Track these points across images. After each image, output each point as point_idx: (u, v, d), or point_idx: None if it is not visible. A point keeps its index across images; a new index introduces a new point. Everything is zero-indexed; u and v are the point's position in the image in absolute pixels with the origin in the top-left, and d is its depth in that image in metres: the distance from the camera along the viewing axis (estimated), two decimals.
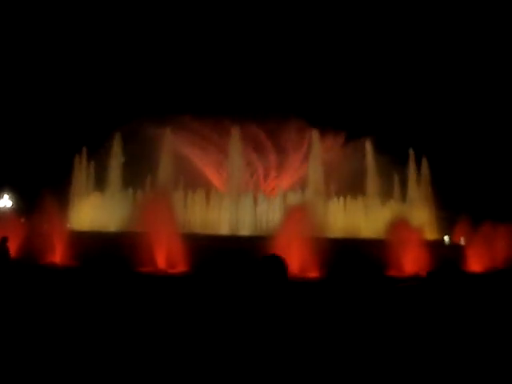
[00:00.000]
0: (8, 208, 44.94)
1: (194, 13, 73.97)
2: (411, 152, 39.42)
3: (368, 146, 39.46)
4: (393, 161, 38.50)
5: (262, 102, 50.11)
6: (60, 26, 66.20)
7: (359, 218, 36.84)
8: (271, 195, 38.07)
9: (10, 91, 59.46)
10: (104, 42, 66.66)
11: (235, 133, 38.24)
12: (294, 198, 35.51)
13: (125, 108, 51.13)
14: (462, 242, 33.29)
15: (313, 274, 19.82)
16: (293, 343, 9.11)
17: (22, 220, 29.52)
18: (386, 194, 38.28)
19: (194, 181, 37.24)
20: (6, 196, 46.34)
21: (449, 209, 38.97)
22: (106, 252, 21.17)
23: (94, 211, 35.05)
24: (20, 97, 60.52)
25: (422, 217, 35.98)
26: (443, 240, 37.59)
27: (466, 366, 8.13)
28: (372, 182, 38.53)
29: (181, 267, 20.31)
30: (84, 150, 37.64)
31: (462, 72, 63.11)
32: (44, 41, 64.97)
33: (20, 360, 7.75)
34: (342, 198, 37.22)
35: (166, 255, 20.64)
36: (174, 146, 37.97)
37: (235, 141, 38.06)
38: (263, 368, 7.67)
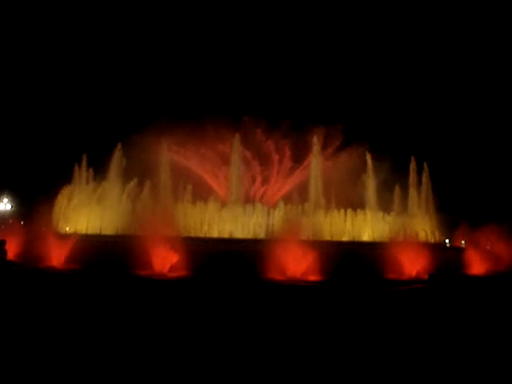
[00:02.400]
0: (8, 211, 44.90)
1: (194, 25, 74.20)
2: (412, 161, 39.18)
3: (368, 160, 39.04)
4: (393, 168, 38.36)
5: (262, 112, 49.88)
6: (64, 37, 67.02)
7: (361, 229, 36.69)
8: (271, 206, 37.67)
9: (11, 98, 59.75)
10: (105, 51, 67.26)
11: (237, 144, 38.05)
12: (294, 210, 35.18)
13: (126, 116, 51.24)
14: (463, 245, 33.22)
15: (314, 277, 19.72)
16: (293, 346, 9.02)
17: (22, 223, 29.45)
18: (386, 202, 38.02)
19: (195, 189, 36.95)
20: (5, 199, 46.27)
21: (449, 212, 38.92)
22: (105, 255, 21.07)
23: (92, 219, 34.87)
24: (22, 103, 60.80)
25: (423, 224, 35.96)
26: (444, 243, 37.48)
27: (468, 367, 8.06)
28: (372, 194, 38.16)
29: (180, 271, 20.19)
30: (84, 157, 37.12)
31: (461, 77, 63.26)
32: (48, 50, 65.66)
33: (19, 360, 7.68)
34: (342, 210, 36.89)
35: (165, 259, 20.55)
36: (173, 155, 37.86)
37: (236, 152, 37.90)
38: (262, 369, 7.60)
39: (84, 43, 70.08)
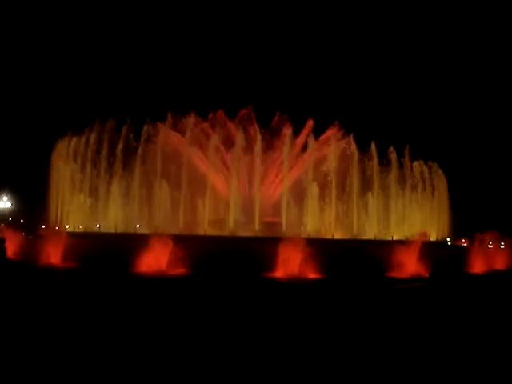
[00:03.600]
0: (7, 209, 44.82)
1: (193, 20, 74.65)
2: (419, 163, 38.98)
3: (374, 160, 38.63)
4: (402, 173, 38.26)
5: (263, 106, 49.66)
6: (56, 47, 67.90)
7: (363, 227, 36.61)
8: (273, 221, 37.30)
9: (11, 97, 60.10)
10: (104, 49, 67.94)
11: (238, 141, 37.75)
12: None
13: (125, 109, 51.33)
14: (464, 243, 33.23)
15: (315, 275, 19.67)
16: (292, 345, 8.96)
17: (21, 221, 29.43)
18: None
19: (198, 186, 36.65)
20: (5, 197, 46.17)
21: (450, 211, 39.02)
22: (104, 253, 21.04)
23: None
24: (22, 102, 61.09)
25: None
26: (445, 241, 37.49)
27: (467, 365, 8.00)
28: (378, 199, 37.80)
29: (181, 269, 20.10)
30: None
31: (463, 75, 63.47)
32: (48, 47, 66.32)
33: (19, 359, 7.63)
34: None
35: (165, 256, 20.47)
36: (175, 148, 37.58)
37: (238, 149, 37.65)
38: (262, 368, 7.54)
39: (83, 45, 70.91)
